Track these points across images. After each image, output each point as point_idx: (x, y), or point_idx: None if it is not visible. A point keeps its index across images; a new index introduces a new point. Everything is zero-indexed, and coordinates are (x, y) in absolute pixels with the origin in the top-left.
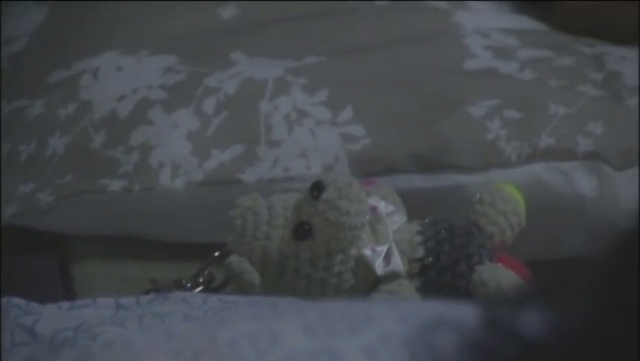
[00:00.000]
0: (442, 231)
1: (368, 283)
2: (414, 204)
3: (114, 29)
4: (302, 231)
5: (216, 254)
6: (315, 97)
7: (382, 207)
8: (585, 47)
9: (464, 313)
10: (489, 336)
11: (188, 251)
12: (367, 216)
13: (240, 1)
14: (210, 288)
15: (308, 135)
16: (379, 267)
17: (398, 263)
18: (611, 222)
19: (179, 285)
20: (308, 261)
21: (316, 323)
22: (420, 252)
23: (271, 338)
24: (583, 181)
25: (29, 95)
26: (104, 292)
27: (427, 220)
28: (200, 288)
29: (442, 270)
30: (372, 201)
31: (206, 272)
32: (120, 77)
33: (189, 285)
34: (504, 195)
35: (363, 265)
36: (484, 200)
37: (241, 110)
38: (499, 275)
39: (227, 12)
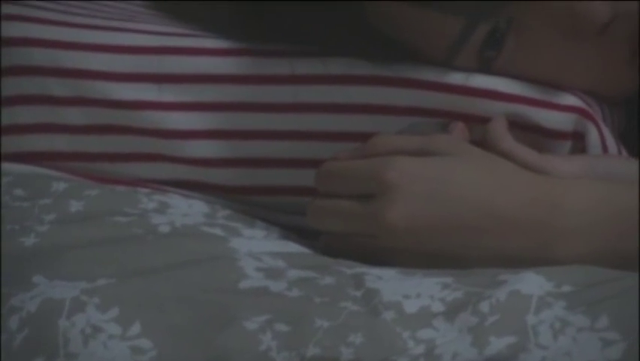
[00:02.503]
0: None
1: None
2: None
3: None
4: None
5: None
6: (107, 314)
7: None
8: (345, 268)
9: None
10: None
11: None
12: None
13: (38, 231)
14: None
15: (101, 348)
16: None
17: None
18: None
19: None
20: None
21: None
22: None
23: None
24: None
25: None
26: None
27: None
28: None
29: None
30: None
31: None
32: None
33: None
34: None
35: None
36: None
37: (41, 327)
38: None
39: (29, 240)
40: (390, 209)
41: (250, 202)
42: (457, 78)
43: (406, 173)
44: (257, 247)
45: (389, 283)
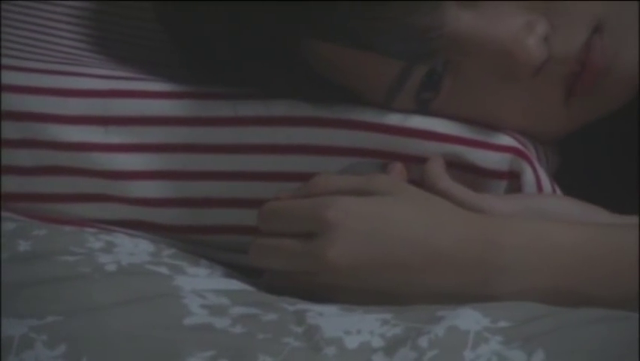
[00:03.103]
0: None
1: None
2: None
3: None
4: None
5: None
6: (55, 351)
7: None
8: (287, 305)
9: None
10: None
11: None
12: None
13: None
14: None
15: None
16: None
17: None
18: None
19: None
20: None
21: None
22: None
23: None
24: None
25: None
26: None
27: None
28: None
29: None
30: None
31: None
32: None
33: None
34: None
35: None
36: None
37: None
38: None
39: None
40: (330, 247)
41: (194, 241)
42: (395, 119)
43: (346, 212)
44: (201, 285)
45: (330, 319)
